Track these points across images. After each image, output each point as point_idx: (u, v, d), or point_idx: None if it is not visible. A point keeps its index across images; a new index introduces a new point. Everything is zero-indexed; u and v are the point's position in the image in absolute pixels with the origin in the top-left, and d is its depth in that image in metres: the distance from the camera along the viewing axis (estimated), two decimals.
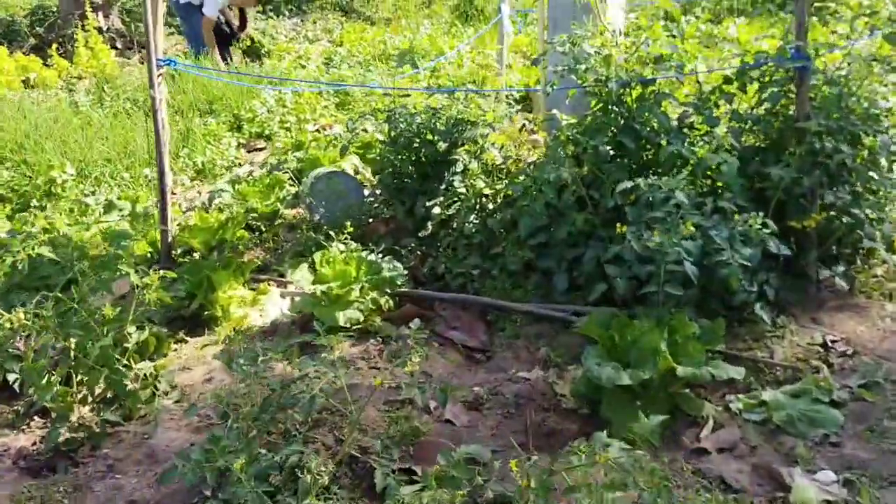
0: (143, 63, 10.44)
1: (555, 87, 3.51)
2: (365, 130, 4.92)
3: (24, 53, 9.49)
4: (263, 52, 8.75)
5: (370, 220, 4.38)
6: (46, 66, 9.29)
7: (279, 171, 5.07)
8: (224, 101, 6.55)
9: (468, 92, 4.13)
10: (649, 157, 3.61)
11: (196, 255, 4.22)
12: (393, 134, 4.15)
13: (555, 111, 3.95)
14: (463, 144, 4.08)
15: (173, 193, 5.38)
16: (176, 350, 3.38)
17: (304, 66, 8.26)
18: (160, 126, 3.85)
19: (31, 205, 4.87)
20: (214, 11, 7.62)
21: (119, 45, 10.52)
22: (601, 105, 3.61)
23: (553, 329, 3.40)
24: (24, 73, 8.90)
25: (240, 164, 5.94)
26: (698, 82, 3.74)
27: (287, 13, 12.27)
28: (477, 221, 3.88)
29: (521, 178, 3.83)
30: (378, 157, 4.46)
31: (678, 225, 2.87)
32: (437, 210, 3.97)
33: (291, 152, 5.59)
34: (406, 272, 3.67)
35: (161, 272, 3.32)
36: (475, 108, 4.09)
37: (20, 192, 4.96)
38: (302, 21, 11.74)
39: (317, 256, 3.53)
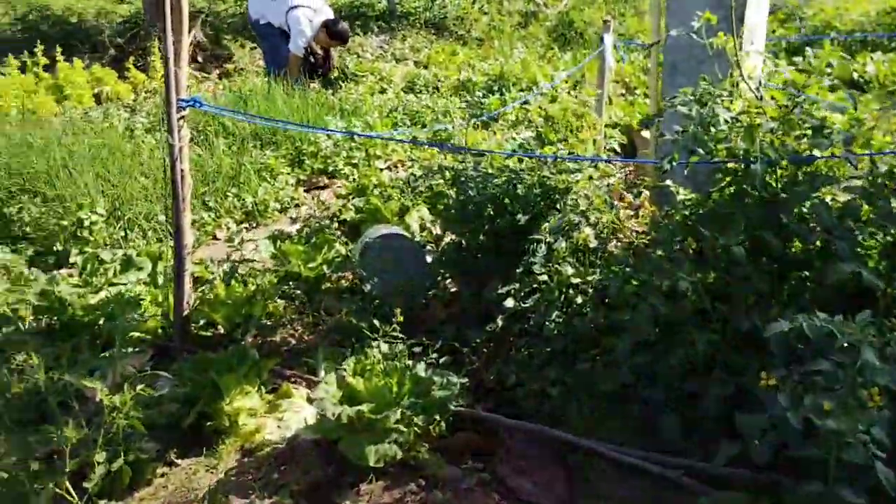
0: (221, 78, 10.04)
1: (674, 162, 2.61)
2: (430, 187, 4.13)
3: (102, 65, 9.20)
4: (348, 72, 8.12)
5: (429, 299, 3.58)
6: (123, 78, 8.95)
7: (331, 224, 4.35)
8: (287, 131, 5.91)
9: (560, 159, 3.26)
10: (795, 254, 2.68)
11: (219, 330, 3.53)
12: (462, 198, 3.35)
13: (668, 182, 3.05)
14: (548, 218, 3.23)
15: (215, 239, 4.74)
16: (164, 476, 2.66)
17: (383, 91, 7.58)
18: (178, 178, 3.17)
19: (54, 248, 4.30)
20: (300, 49, 7.06)
21: (200, 59, 10.14)
22: (735, 186, 2.70)
23: (657, 490, 2.50)
24: (98, 85, 8.57)
25: (297, 204, 5.26)
26: (872, 162, 2.76)
27: (376, 29, 11.69)
28: (561, 321, 3.01)
29: (620, 268, 2.94)
30: (443, 216, 3.67)
31: (857, 389, 1.94)
32: (510, 301, 3.12)
33: (352, 198, 4.87)
34: (465, 380, 2.84)
35: (149, 373, 2.64)
36: (564, 176, 3.22)
37: (47, 232, 4.40)
38: (391, 39, 11.12)
39: (349, 364, 2.74)
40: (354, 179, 5.43)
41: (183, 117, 3.17)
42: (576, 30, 10.78)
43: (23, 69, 8.15)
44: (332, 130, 5.66)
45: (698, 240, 2.65)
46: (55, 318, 3.23)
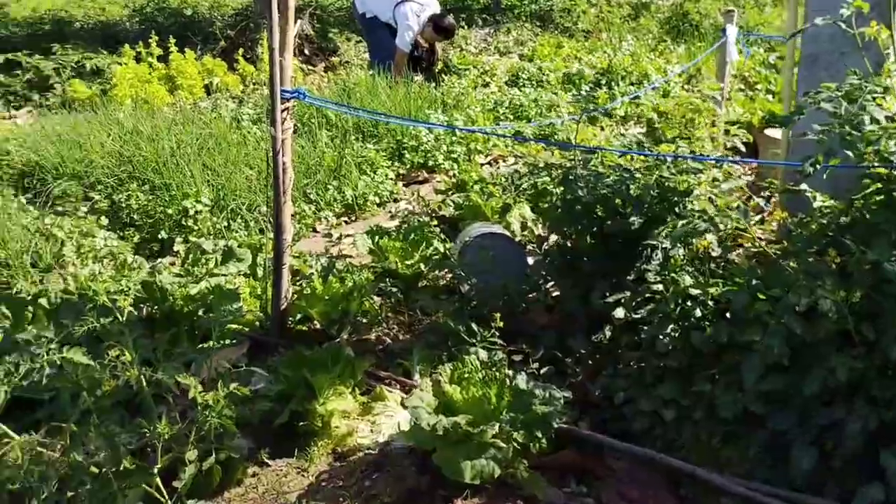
0: (327, 71, 10.12)
1: (818, 165, 2.32)
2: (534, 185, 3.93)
3: (213, 56, 9.42)
4: (451, 65, 8.00)
5: (530, 302, 3.39)
6: (232, 70, 9.14)
7: (430, 220, 4.22)
8: (388, 125, 5.83)
9: (682, 158, 2.99)
10: None
11: (315, 325, 3.46)
12: (569, 197, 3.14)
13: (804, 186, 2.75)
14: (664, 222, 2.97)
15: (314, 231, 4.70)
16: (254, 477, 2.59)
17: (486, 85, 7.42)
18: (280, 171, 3.10)
19: (159, 236, 4.36)
20: (407, 45, 6.98)
21: (307, 52, 10.26)
22: (885, 194, 2.39)
23: None
24: (209, 76, 8.77)
25: (396, 199, 5.17)
26: None
27: (480, 22, 11.52)
28: (676, 335, 2.76)
29: (746, 280, 2.67)
30: (549, 216, 3.46)
31: None
32: (620, 311, 2.89)
33: (451, 193, 4.73)
34: (568, 394, 2.64)
35: (244, 369, 2.57)
36: (684, 177, 2.96)
37: (154, 220, 4.47)
38: (495, 31, 10.93)
39: (445, 371, 2.59)
40: (454, 175, 5.29)
41: (287, 109, 3.10)
42: (690, 21, 10.29)
43: (138, 59, 8.43)
44: (433, 124, 5.54)
45: (840, 253, 2.35)
46: (155, 307, 3.23)
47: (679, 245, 2.94)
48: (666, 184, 2.98)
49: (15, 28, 12.80)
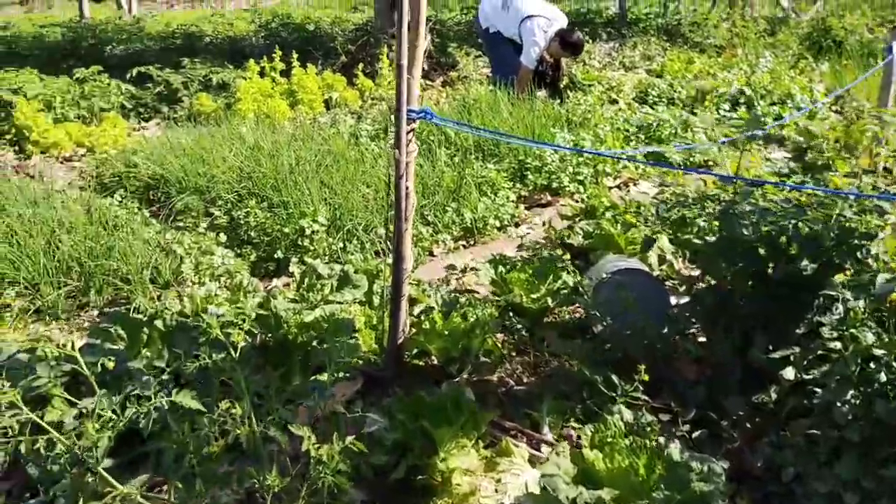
0: (445, 86, 9.99)
1: None
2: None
3: (333, 71, 9.45)
4: (576, 81, 7.68)
5: (674, 351, 3.02)
6: (351, 84, 9.14)
7: (556, 249, 3.91)
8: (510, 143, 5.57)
9: (865, 197, 2.56)
10: None
11: (433, 360, 3.21)
12: (726, 234, 2.76)
13: None
14: (841, 268, 2.55)
15: (431, 255, 4.48)
16: None
17: (613, 101, 7.04)
18: (402, 196, 2.87)
19: (275, 255, 4.24)
20: (533, 61, 6.71)
21: (425, 66, 10.12)
22: None
23: None
24: (329, 91, 8.79)
25: (517, 222, 4.89)
26: None
27: (604, 36, 11.13)
28: (857, 403, 2.34)
29: None
30: (701, 253, 3.08)
31: None
32: (790, 372, 2.49)
33: (578, 220, 4.40)
34: (725, 464, 2.27)
35: (359, 415, 2.35)
36: (869, 217, 2.53)
37: (270, 238, 4.36)
38: (620, 46, 10.51)
39: (585, 434, 2.27)
40: (581, 199, 4.96)
41: (412, 130, 2.87)
42: (833, 38, 9.54)
43: (262, 74, 8.53)
44: (559, 146, 5.23)
45: None
46: (269, 335, 3.08)
47: (860, 294, 2.51)
48: (846, 224, 2.56)
49: (149, 42, 13.41)
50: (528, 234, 4.74)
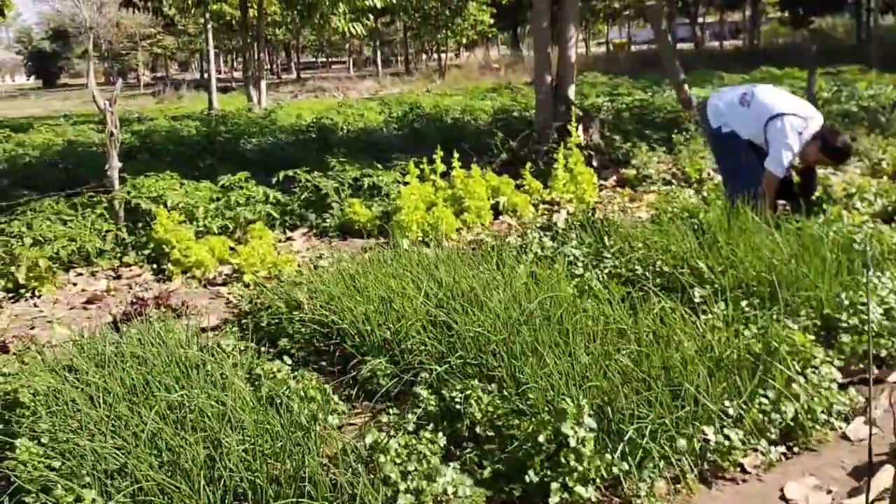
0: (617, 185, 8.65)
1: None
2: None
3: (493, 171, 8.31)
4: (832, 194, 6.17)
5: None
6: (519, 187, 7.95)
7: None
8: (799, 282, 4.09)
9: None
10: None
11: None
12: None
13: None
14: None
15: (743, 470, 3.01)
16: None
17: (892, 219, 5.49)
18: None
19: (526, 478, 2.86)
20: (783, 169, 5.27)
21: (595, 164, 8.90)
22: None
23: None
24: (495, 196, 7.61)
25: (846, 416, 3.37)
26: None
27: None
28: None
29: None
30: None
31: None
32: None
33: None
34: None
35: None
36: None
37: (512, 448, 3.00)
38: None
39: None
40: None
41: None
42: None
43: (421, 177, 7.46)
44: None
45: None
46: None
47: None
48: None
49: (282, 135, 12.80)
50: (860, 436, 3.22)
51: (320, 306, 4.37)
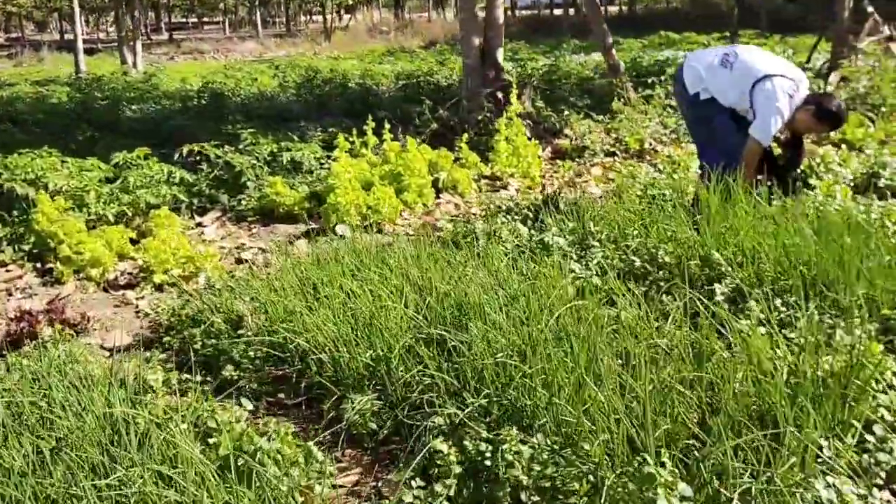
0: (555, 158, 8.03)
1: None
2: None
3: (422, 141, 7.49)
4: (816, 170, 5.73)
5: None
6: (457, 161, 7.17)
7: None
8: (833, 274, 3.55)
9: None
10: None
11: None
12: None
13: None
14: None
15: None
16: None
17: None
18: None
19: None
20: (770, 135, 4.68)
21: (528, 135, 8.19)
22: None
23: None
24: (433, 172, 6.79)
25: None
26: None
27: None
28: None
29: None
30: None
31: None
32: None
33: None
34: None
35: None
36: None
37: (565, 500, 2.29)
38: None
39: None
40: None
41: None
42: None
43: (351, 151, 6.55)
44: None
45: None
46: None
47: None
48: None
49: (166, 101, 11.41)
50: None
51: (271, 322, 3.48)
